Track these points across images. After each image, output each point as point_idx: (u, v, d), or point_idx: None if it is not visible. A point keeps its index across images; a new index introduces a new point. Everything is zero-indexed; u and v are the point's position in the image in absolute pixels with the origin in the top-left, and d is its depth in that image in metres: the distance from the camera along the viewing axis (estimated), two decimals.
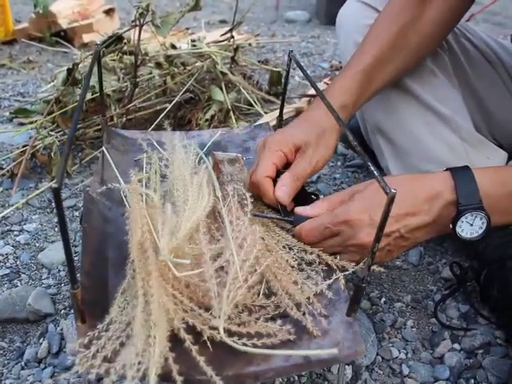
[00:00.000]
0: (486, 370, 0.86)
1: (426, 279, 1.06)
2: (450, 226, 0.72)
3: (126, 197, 0.81)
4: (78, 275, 0.65)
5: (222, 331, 0.59)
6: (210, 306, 0.62)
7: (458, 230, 0.72)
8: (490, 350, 0.90)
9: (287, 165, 0.85)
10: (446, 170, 0.74)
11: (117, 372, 0.57)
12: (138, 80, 1.46)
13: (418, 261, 1.10)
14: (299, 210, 0.79)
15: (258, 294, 0.70)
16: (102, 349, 0.60)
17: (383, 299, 1.01)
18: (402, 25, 0.92)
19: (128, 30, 1.40)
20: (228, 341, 0.59)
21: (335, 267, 0.75)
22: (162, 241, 0.63)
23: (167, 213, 0.69)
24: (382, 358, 0.89)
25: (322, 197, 0.84)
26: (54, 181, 0.48)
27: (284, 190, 0.81)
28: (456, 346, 0.91)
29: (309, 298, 0.70)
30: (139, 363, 0.58)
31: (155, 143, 1.01)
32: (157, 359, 0.58)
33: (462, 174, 0.73)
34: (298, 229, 0.77)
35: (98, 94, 1.37)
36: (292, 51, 0.94)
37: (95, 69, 0.94)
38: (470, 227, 0.72)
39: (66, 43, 2.47)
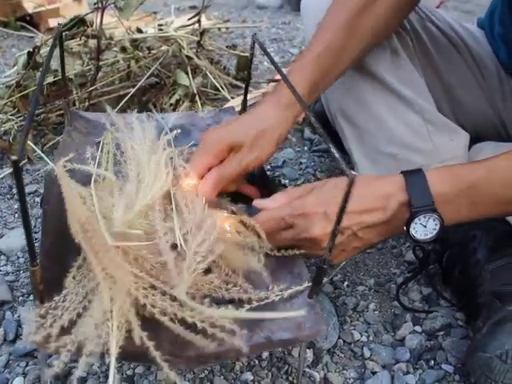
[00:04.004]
0: (446, 351, 0.86)
1: (390, 262, 1.07)
2: (404, 227, 0.72)
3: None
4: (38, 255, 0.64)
5: (184, 294, 0.58)
6: (159, 278, 0.62)
7: (411, 231, 0.72)
8: (451, 332, 0.90)
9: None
10: (401, 172, 0.74)
11: (74, 344, 0.56)
12: (101, 64, 1.43)
13: (382, 244, 1.11)
14: (257, 202, 0.78)
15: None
16: (58, 318, 0.59)
17: (346, 283, 1.00)
18: (356, 9, 0.89)
19: (90, 13, 1.37)
20: (192, 303, 0.58)
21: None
22: (116, 213, 0.62)
23: (124, 190, 0.68)
24: (344, 341, 0.89)
25: (286, 182, 0.83)
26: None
27: (205, 188, 0.79)
28: (417, 328, 0.91)
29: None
30: (97, 337, 0.57)
31: (117, 125, 0.99)
32: (116, 332, 0.57)
33: (413, 176, 0.72)
34: (254, 219, 0.76)
35: (59, 78, 1.34)
36: (255, 34, 0.93)
37: (57, 52, 0.93)
38: (424, 229, 0.72)
39: (31, 28, 2.41)
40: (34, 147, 0.94)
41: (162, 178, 0.73)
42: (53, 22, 2.48)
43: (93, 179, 0.74)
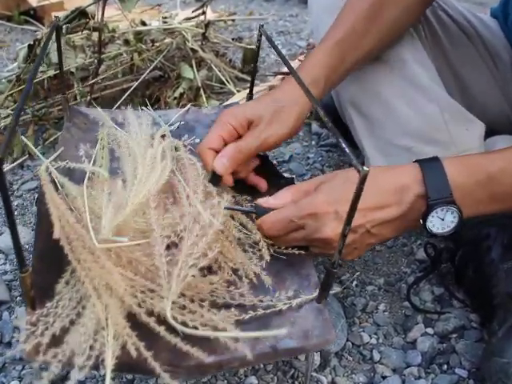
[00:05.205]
0: (460, 355, 0.83)
1: (400, 261, 1.03)
2: (421, 221, 0.69)
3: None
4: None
5: (169, 312, 0.55)
6: (155, 281, 0.59)
7: (428, 225, 0.68)
8: (464, 334, 0.86)
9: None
10: (415, 161, 0.71)
11: (65, 355, 0.53)
12: (103, 57, 1.40)
13: (392, 242, 1.07)
14: (261, 200, 0.75)
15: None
16: (50, 326, 0.57)
17: (355, 282, 0.97)
18: None
19: (91, 5, 1.33)
20: (173, 323, 0.55)
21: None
22: (104, 217, 0.59)
23: (115, 189, 0.65)
24: (352, 344, 0.85)
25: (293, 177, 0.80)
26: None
27: (222, 161, 0.77)
28: (429, 330, 0.87)
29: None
30: (91, 348, 0.55)
31: (115, 121, 0.96)
32: (112, 342, 0.55)
33: (430, 166, 0.69)
34: (259, 221, 0.73)
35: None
36: (262, 26, 0.89)
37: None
38: (441, 222, 0.68)
39: (35, 22, 2.39)
40: (28, 143, 0.91)
41: (158, 172, 0.70)
42: None
43: (86, 177, 0.71)
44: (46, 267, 0.66)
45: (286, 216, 0.70)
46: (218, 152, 0.79)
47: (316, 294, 0.66)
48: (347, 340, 0.85)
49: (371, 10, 0.88)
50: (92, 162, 0.81)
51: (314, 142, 1.45)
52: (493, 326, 0.78)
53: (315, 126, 1.49)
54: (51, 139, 1.36)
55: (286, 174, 1.25)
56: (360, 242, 0.70)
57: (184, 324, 0.57)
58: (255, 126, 0.80)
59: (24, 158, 1.31)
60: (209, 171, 0.78)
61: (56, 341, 0.55)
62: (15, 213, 1.16)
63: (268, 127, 0.80)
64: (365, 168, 0.51)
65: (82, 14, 1.39)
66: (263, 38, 0.89)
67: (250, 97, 1.01)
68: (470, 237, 0.91)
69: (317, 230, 0.68)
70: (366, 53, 0.91)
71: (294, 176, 1.23)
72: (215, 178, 0.78)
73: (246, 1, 3.11)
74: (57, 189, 0.73)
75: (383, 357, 0.83)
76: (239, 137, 0.81)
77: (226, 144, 0.80)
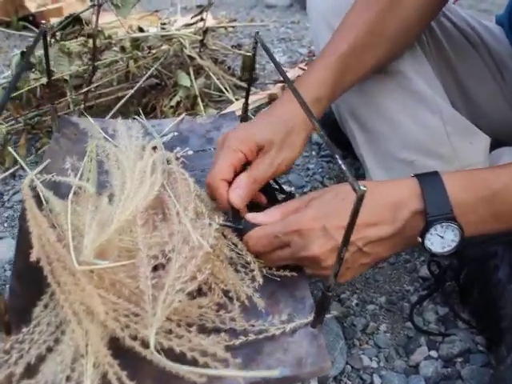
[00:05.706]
0: (465, 381, 0.78)
1: (403, 278, 0.98)
2: (419, 239, 0.64)
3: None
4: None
5: (152, 341, 0.51)
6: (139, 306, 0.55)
7: (427, 243, 0.63)
8: (470, 358, 0.82)
9: (248, 164, 0.77)
10: (413, 176, 0.66)
11: None
12: (98, 64, 1.37)
13: (395, 258, 1.02)
14: (249, 216, 0.70)
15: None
16: (25, 354, 0.53)
17: (355, 301, 0.92)
18: (379, 9, 0.83)
19: (85, 11, 1.30)
20: (157, 356, 0.51)
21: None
22: (87, 238, 0.55)
23: (100, 205, 0.62)
24: (352, 367, 0.81)
25: (292, 189, 0.76)
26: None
27: (238, 193, 0.72)
28: (433, 353, 0.83)
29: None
30: (68, 379, 0.51)
31: (105, 131, 0.92)
32: (91, 371, 0.51)
33: (429, 180, 0.64)
34: (245, 237, 0.69)
35: (54, 78, 1.28)
36: (258, 33, 0.86)
37: (51, 52, 0.87)
38: (441, 240, 0.63)
39: (34, 28, 2.36)
40: (15, 154, 0.87)
41: (146, 186, 0.66)
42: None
43: (72, 192, 0.67)
44: (25, 289, 0.62)
45: (271, 232, 0.66)
46: (229, 182, 0.74)
47: (311, 318, 0.62)
48: (346, 363, 0.81)
49: (374, 23, 0.84)
50: (79, 175, 0.77)
51: (314, 153, 1.41)
52: (501, 351, 0.74)
53: (315, 136, 1.46)
54: (44, 148, 1.33)
55: (285, 187, 1.22)
56: (352, 261, 0.65)
57: (170, 350, 0.53)
58: (266, 152, 0.76)
59: (16, 167, 1.28)
60: (223, 203, 0.73)
61: (31, 370, 0.52)
62: (5, 224, 1.12)
63: (279, 153, 0.76)
64: (362, 187, 0.47)
65: (76, 20, 1.36)
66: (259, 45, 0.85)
67: (245, 106, 0.97)
68: (476, 254, 0.87)
69: (303, 248, 0.64)
70: (370, 68, 0.87)
71: (293, 191, 1.19)
72: (234, 213, 0.73)
73: (248, 7, 3.10)
74: (41, 203, 0.69)
75: (384, 382, 0.79)
76: (248, 162, 0.76)
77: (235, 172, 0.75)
